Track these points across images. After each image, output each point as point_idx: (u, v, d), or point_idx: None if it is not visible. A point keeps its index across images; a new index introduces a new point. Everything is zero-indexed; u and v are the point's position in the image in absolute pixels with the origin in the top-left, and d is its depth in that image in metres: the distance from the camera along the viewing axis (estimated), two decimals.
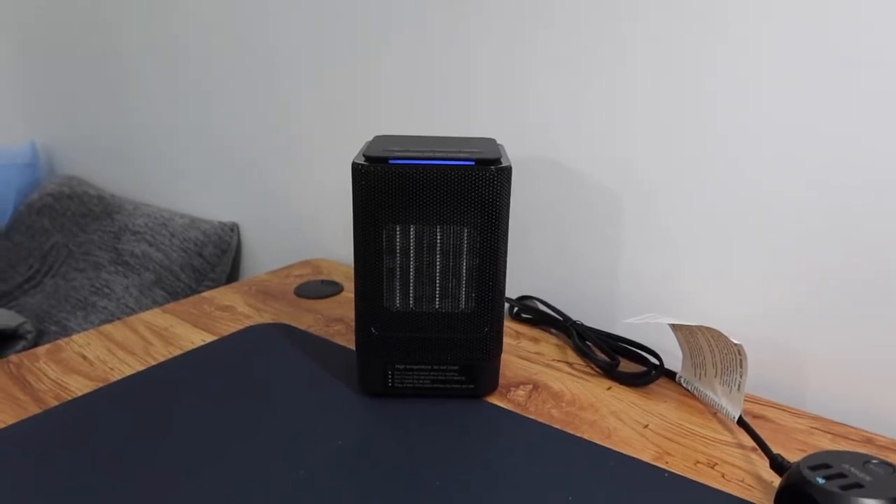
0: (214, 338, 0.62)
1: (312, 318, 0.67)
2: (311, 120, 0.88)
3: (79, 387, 0.53)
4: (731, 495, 0.41)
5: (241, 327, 0.65)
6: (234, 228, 1.03)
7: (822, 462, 0.37)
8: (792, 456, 0.46)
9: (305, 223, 0.94)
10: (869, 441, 0.48)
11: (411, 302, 0.50)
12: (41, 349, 0.60)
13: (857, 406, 0.55)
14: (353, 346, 0.60)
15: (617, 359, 0.57)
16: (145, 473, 0.42)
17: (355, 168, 0.47)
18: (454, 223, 0.48)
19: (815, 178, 0.53)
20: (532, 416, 0.50)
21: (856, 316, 0.53)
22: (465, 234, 0.48)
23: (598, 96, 0.63)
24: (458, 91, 0.73)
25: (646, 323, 0.54)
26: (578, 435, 0.48)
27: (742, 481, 0.43)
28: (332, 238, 0.91)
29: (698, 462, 0.45)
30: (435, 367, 0.51)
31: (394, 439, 0.46)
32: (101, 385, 0.53)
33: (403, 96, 0.78)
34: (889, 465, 0.37)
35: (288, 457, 0.44)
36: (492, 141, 0.54)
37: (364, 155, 0.47)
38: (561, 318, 0.65)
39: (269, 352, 0.59)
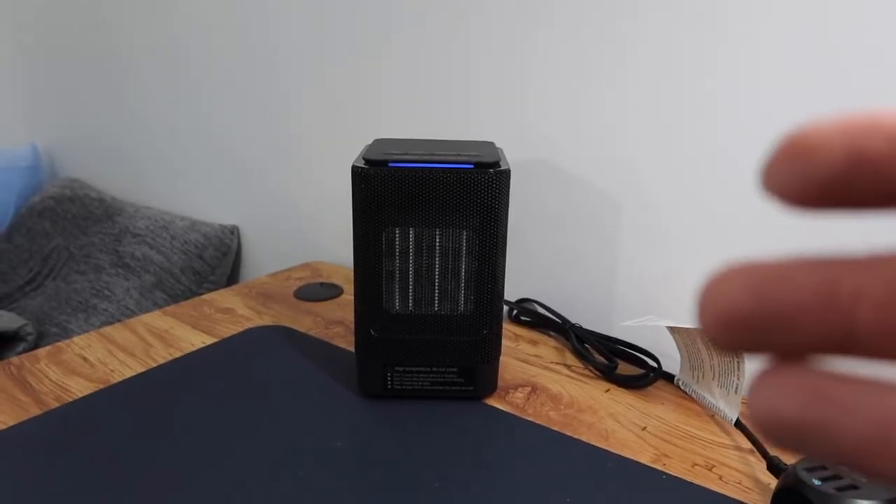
0: (214, 340, 0.62)
1: (312, 321, 0.67)
2: (311, 121, 0.88)
3: (79, 388, 0.53)
4: (728, 497, 0.42)
5: (241, 329, 0.65)
6: (234, 231, 1.03)
7: (818, 464, 0.37)
8: (788, 458, 0.46)
9: (305, 225, 0.94)
10: None
11: (411, 304, 0.50)
12: (42, 351, 0.60)
13: None
14: (352, 349, 0.60)
15: (615, 361, 0.57)
16: (146, 474, 0.42)
17: (355, 171, 0.47)
18: (453, 226, 0.48)
19: None
20: (530, 418, 0.50)
21: None
22: (464, 237, 0.48)
23: (598, 96, 0.63)
24: (458, 90, 0.73)
25: (644, 326, 0.54)
26: (577, 437, 0.48)
27: (739, 483, 0.43)
28: (332, 240, 0.91)
29: (696, 464, 0.45)
30: (434, 369, 0.51)
31: (393, 441, 0.47)
32: (101, 387, 0.54)
33: (403, 96, 0.78)
34: None
35: (288, 458, 0.44)
36: (491, 144, 0.54)
37: (364, 158, 0.48)
38: (559, 321, 0.65)
39: (269, 354, 0.59)
